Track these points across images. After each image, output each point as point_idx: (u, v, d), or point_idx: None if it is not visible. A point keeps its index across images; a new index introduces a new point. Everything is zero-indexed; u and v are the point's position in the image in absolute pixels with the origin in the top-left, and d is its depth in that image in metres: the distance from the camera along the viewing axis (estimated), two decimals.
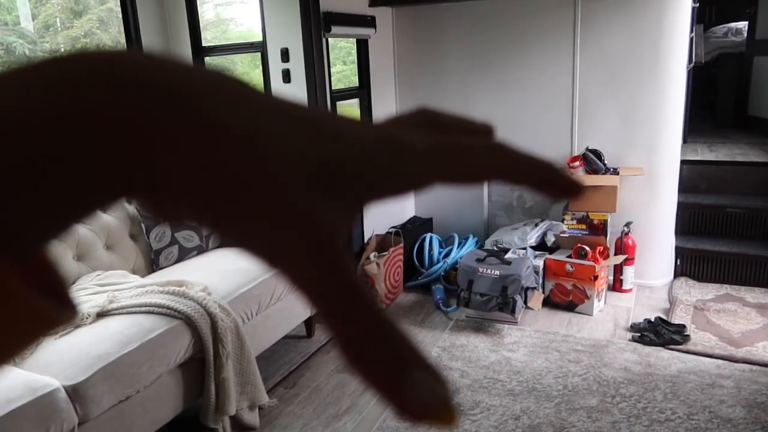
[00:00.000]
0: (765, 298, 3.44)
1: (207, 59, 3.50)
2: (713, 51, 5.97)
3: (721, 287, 3.64)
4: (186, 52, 3.45)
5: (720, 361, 2.80)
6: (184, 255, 2.94)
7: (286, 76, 3.17)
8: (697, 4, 4.15)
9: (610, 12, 3.54)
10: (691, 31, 3.69)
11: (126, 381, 2.03)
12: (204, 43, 3.49)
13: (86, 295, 2.39)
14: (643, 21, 3.48)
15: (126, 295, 2.35)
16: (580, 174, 3.59)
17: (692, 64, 3.60)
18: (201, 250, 3.01)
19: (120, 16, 3.28)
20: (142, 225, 2.85)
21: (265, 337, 2.79)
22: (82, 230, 2.67)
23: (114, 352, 2.02)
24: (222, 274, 2.68)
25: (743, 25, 5.92)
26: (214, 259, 2.93)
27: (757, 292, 3.54)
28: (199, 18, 3.49)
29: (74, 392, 1.87)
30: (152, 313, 2.24)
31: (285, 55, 3.14)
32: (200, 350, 2.30)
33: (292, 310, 2.98)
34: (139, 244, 2.88)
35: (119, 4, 3.27)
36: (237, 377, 2.40)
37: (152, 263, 2.88)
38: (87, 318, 2.18)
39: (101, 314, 2.22)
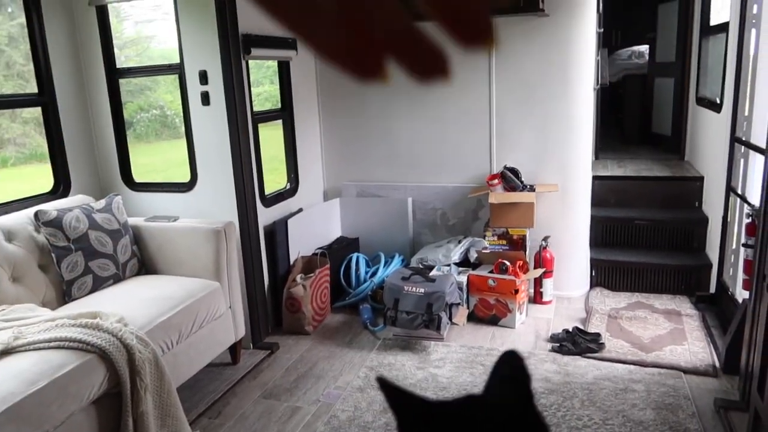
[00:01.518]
0: (671, 304, 3.67)
1: (122, 81, 3.39)
2: (619, 72, 6.37)
3: (633, 295, 3.85)
4: (99, 73, 3.33)
5: (632, 367, 2.96)
6: (99, 285, 2.81)
7: (205, 99, 3.12)
8: (602, 30, 4.43)
9: (521, 38, 3.71)
10: (597, 55, 3.93)
11: (34, 422, 1.91)
12: (120, 63, 3.38)
13: None
14: (552, 46, 3.67)
15: (33, 330, 2.22)
16: (499, 191, 3.72)
17: (599, 85, 3.83)
18: (117, 279, 2.89)
19: None
20: (53, 255, 2.71)
21: (187, 367, 2.70)
22: None
23: (19, 391, 1.90)
24: (139, 304, 2.58)
25: (645, 48, 6.35)
26: (132, 288, 2.83)
27: (665, 298, 3.77)
28: (114, 36, 3.37)
29: None
30: (62, 348, 2.12)
31: (204, 77, 3.10)
32: (116, 384, 2.20)
33: (216, 337, 2.91)
34: (49, 275, 2.74)
35: (26, 21, 3.12)
36: (157, 410, 2.31)
37: (64, 295, 2.73)
38: None
39: (5, 352, 2.09)
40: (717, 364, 2.93)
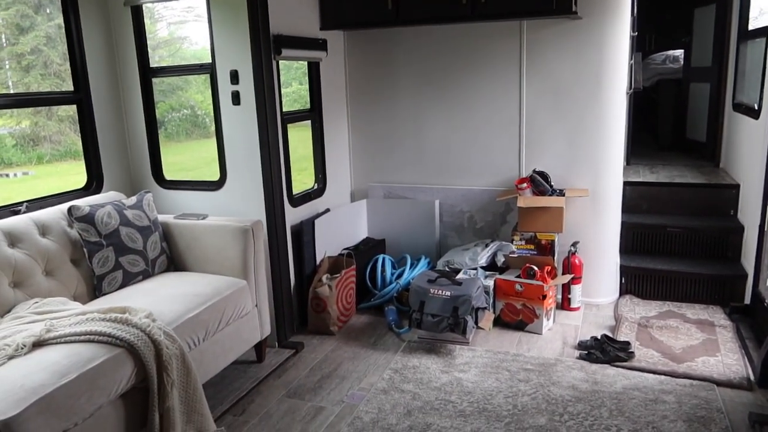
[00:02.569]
0: (704, 314, 3.57)
1: (155, 80, 3.45)
2: (653, 77, 6.25)
3: (664, 304, 3.76)
4: (133, 72, 3.39)
5: (662, 377, 2.88)
6: (128, 280, 2.85)
7: (236, 98, 3.15)
8: (636, 33, 4.35)
9: (553, 40, 3.67)
10: (631, 59, 3.86)
11: (63, 414, 1.94)
12: (153, 63, 3.43)
13: (22, 324, 2.29)
14: (585, 49, 3.61)
15: (65, 323, 2.26)
16: (528, 195, 3.67)
17: (632, 90, 3.76)
18: (146, 275, 2.93)
19: None
20: (84, 250, 2.76)
21: (213, 364, 2.72)
22: (19, 255, 2.56)
23: (50, 383, 1.93)
24: (168, 300, 2.61)
25: (680, 53, 6.23)
26: (160, 283, 2.86)
27: (697, 308, 3.68)
28: (148, 37, 3.44)
29: (6, 427, 1.78)
30: (92, 341, 2.16)
31: (234, 77, 3.12)
32: (143, 379, 2.22)
33: (242, 335, 2.93)
34: (80, 270, 2.79)
35: (63, 21, 3.19)
36: (183, 406, 2.33)
37: (95, 289, 2.78)
38: (22, 348, 2.08)
39: (38, 344, 2.13)
40: (752, 377, 2.85)
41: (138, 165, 3.52)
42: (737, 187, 4.09)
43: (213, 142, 3.39)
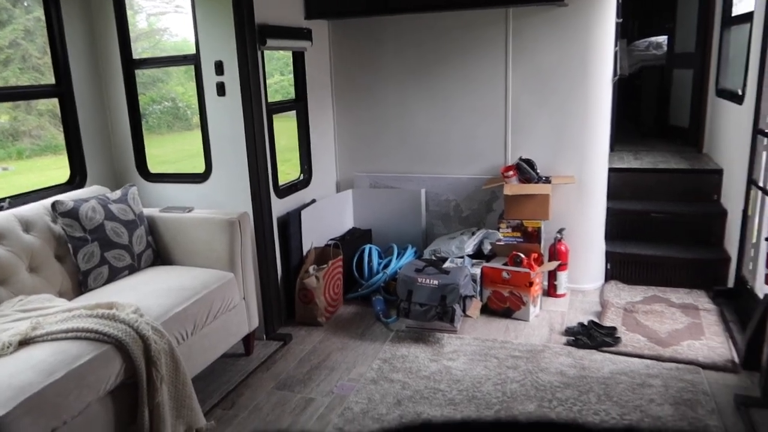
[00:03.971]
0: (688, 299, 3.62)
1: (138, 71, 3.40)
2: (636, 64, 6.28)
3: (648, 289, 3.81)
4: (116, 64, 3.34)
5: (649, 361, 2.92)
6: (114, 275, 2.83)
7: (221, 89, 3.11)
8: (621, 20, 4.36)
9: (539, 27, 3.66)
10: (616, 45, 3.87)
11: (51, 412, 1.93)
12: (135, 55, 3.38)
13: (7, 322, 2.26)
14: (571, 36, 3.62)
15: (51, 320, 2.23)
16: (514, 183, 3.68)
17: (617, 77, 3.77)
18: (133, 270, 2.91)
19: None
20: (69, 245, 2.72)
21: (201, 358, 2.71)
22: (2, 252, 2.53)
23: (38, 382, 1.91)
24: (155, 294, 2.59)
25: (663, 39, 6.25)
26: (147, 278, 2.84)
27: (681, 292, 3.72)
28: (130, 29, 3.38)
29: None
30: (79, 338, 2.14)
31: (219, 67, 3.09)
32: (132, 375, 2.21)
33: (230, 328, 2.92)
34: (65, 266, 2.75)
35: (44, 13, 3.13)
36: (172, 401, 2.32)
37: (80, 285, 2.75)
38: (8, 347, 2.06)
39: (24, 342, 2.10)
40: (736, 359, 2.89)
41: (122, 158, 3.48)
42: (720, 172, 4.14)
43: (195, 134, 3.36)
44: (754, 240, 3.38)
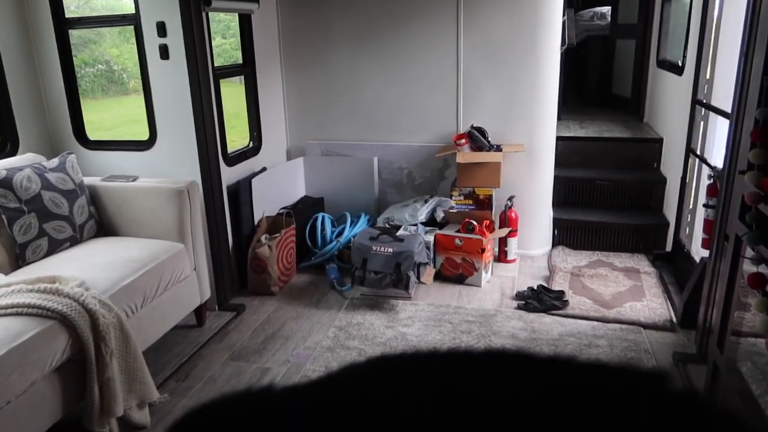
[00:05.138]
0: (630, 262, 3.78)
1: (72, 32, 3.18)
2: (581, 34, 6.37)
3: (593, 254, 3.94)
4: (47, 23, 3.11)
5: (595, 323, 3.04)
6: (55, 248, 2.68)
7: (164, 52, 2.96)
8: None
9: None
10: (564, 15, 3.90)
11: None
12: (68, 14, 3.16)
13: None
14: (521, 3, 3.62)
15: None
16: (466, 151, 3.71)
17: (565, 46, 3.82)
18: (75, 242, 2.77)
19: None
20: (3, 217, 2.56)
21: (152, 330, 2.63)
22: None
23: None
24: (101, 267, 2.48)
25: (607, 9, 6.37)
26: (91, 250, 2.71)
27: (624, 256, 3.88)
28: None
29: None
30: (21, 314, 2.03)
31: (162, 29, 2.93)
32: (80, 351, 2.12)
33: (181, 299, 2.84)
34: (0, 238, 2.59)
35: None
36: (123, 375, 2.25)
37: (18, 258, 2.60)
38: None
39: None
40: (674, 319, 3.05)
41: (57, 124, 3.28)
42: (660, 141, 4.29)
43: (133, 100, 3.21)
44: (691, 206, 3.54)
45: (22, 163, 2.78)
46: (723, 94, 3.00)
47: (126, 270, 2.50)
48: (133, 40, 3.06)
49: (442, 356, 0.66)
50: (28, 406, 1.96)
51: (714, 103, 3.16)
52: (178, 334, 3.01)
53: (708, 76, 3.31)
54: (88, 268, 2.44)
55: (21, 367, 1.92)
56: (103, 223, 2.96)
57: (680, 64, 3.84)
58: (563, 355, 0.60)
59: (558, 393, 0.55)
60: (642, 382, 0.59)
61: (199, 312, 3.07)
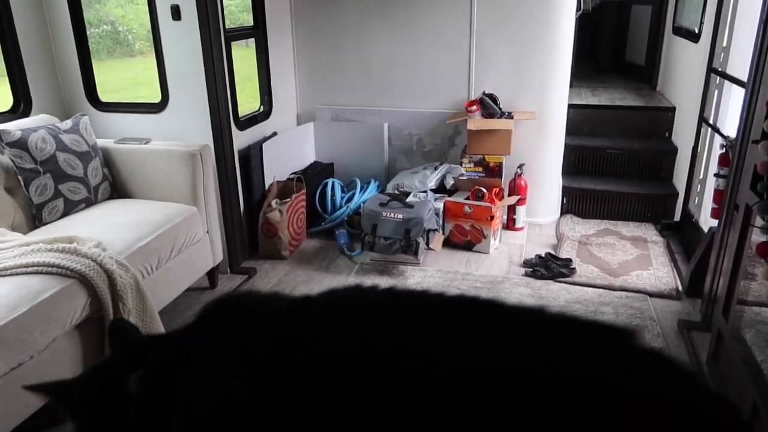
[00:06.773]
0: (638, 231, 3.79)
1: None
2: None
3: (601, 222, 3.96)
4: None
5: (601, 291, 3.08)
6: (70, 209, 2.72)
7: (176, 13, 2.94)
8: None
9: None
10: None
11: (16, 347, 1.89)
12: None
13: None
14: None
15: (8, 255, 2.15)
16: (477, 118, 3.69)
17: (580, 12, 3.76)
18: (89, 203, 2.80)
19: None
20: (19, 177, 2.59)
21: (166, 292, 2.69)
22: None
23: (0, 317, 1.86)
24: (116, 228, 2.52)
25: None
26: (105, 211, 2.75)
27: (632, 225, 3.89)
28: None
29: None
30: (40, 273, 2.07)
31: None
32: (98, 309, 2.17)
33: (194, 262, 2.89)
34: (17, 198, 2.63)
35: None
36: None
37: (34, 219, 2.64)
38: None
39: None
40: (680, 287, 3.08)
41: (69, 86, 3.28)
42: (673, 110, 4.26)
43: (139, 61, 3.19)
44: (701, 176, 3.54)
45: (35, 124, 2.79)
46: (739, 63, 2.96)
47: (141, 231, 2.54)
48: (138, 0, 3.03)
49: (415, 297, 0.74)
50: (51, 362, 2.02)
51: (730, 71, 3.13)
52: (191, 296, 3.06)
53: (725, 44, 3.26)
54: (104, 229, 2.48)
55: (43, 323, 1.97)
56: (116, 185, 2.99)
57: (697, 31, 3.78)
58: (533, 307, 0.65)
59: (527, 346, 0.60)
60: (610, 337, 0.64)
61: (212, 275, 3.12)
